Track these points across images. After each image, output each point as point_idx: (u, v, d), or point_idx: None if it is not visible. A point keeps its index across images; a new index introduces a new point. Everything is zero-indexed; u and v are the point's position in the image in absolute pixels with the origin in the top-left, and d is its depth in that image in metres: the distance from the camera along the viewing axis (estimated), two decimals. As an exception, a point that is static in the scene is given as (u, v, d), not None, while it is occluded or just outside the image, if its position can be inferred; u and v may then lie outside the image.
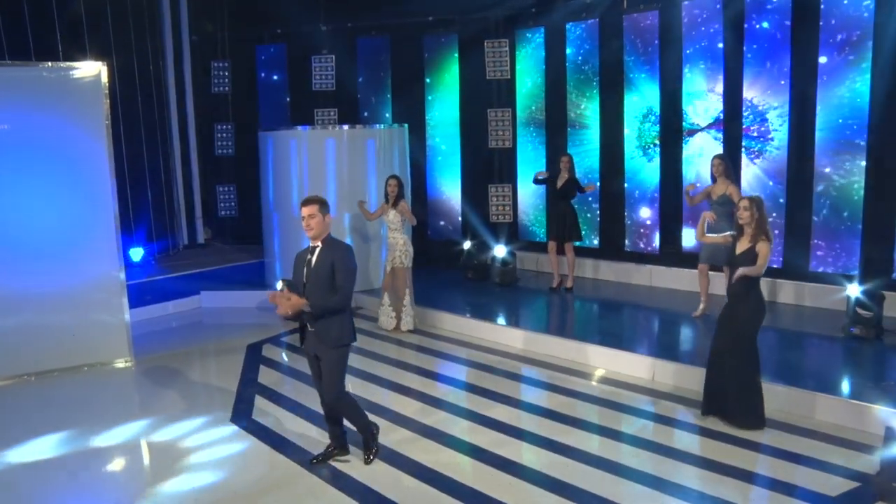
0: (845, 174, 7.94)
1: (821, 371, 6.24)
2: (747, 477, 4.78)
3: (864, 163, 7.80)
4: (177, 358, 7.77)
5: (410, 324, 8.41)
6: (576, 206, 9.68)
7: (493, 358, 7.44)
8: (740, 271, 5.38)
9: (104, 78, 7.29)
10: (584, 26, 10.16)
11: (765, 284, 8.47)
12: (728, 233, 5.80)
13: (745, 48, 8.56)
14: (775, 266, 8.50)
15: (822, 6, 7.91)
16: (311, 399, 6.29)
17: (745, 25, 8.52)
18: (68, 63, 7.26)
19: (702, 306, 7.96)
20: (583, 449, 5.25)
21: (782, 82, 8.34)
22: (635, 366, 6.71)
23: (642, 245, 9.89)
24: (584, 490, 4.64)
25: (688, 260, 9.19)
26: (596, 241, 10.40)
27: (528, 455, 5.20)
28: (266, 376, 7.08)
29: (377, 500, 4.60)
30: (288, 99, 12.08)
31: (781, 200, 8.47)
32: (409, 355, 7.71)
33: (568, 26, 10.31)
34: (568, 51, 10.36)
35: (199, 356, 7.96)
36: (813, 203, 8.16)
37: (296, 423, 5.89)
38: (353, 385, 6.65)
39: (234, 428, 5.78)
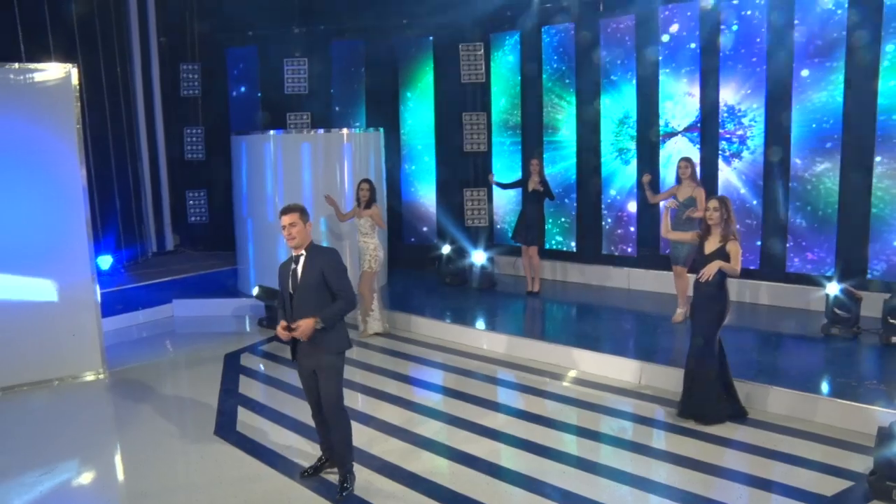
0: (820, 176, 8.07)
1: (804, 371, 6.29)
2: (744, 479, 4.79)
3: (838, 165, 7.94)
4: (152, 369, 7.54)
5: (378, 327, 8.32)
6: (550, 210, 9.67)
7: (473, 363, 7.37)
8: (715, 265, 5.39)
9: (74, 80, 7.04)
10: (560, 30, 10.18)
11: (742, 285, 8.64)
12: (695, 231, 5.84)
13: (720, 52, 8.66)
14: (752, 267, 8.61)
15: (797, 12, 8.05)
16: (296, 409, 6.19)
17: (721, 29, 8.62)
18: (37, 64, 6.97)
19: (679, 310, 7.98)
20: (584, 457, 5.23)
21: (758, 86, 8.45)
22: (621, 369, 6.70)
23: (619, 248, 9.94)
24: (586, 497, 4.60)
25: (665, 262, 9.24)
26: (573, 245, 10.42)
27: (526, 462, 5.15)
28: (247, 387, 6.90)
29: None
30: (260, 102, 11.86)
31: (757, 202, 8.58)
32: (378, 359, 7.61)
33: (544, 30, 10.32)
34: (544, 55, 10.37)
35: (175, 367, 7.74)
36: (789, 204, 8.28)
37: (282, 435, 5.74)
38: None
39: (219, 441, 5.60)
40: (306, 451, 5.34)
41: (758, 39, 8.40)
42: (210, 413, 6.21)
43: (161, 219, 11.75)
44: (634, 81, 9.50)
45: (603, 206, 9.99)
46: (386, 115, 11.33)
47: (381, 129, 10.32)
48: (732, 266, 5.43)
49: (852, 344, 6.97)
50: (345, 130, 9.87)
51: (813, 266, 8.19)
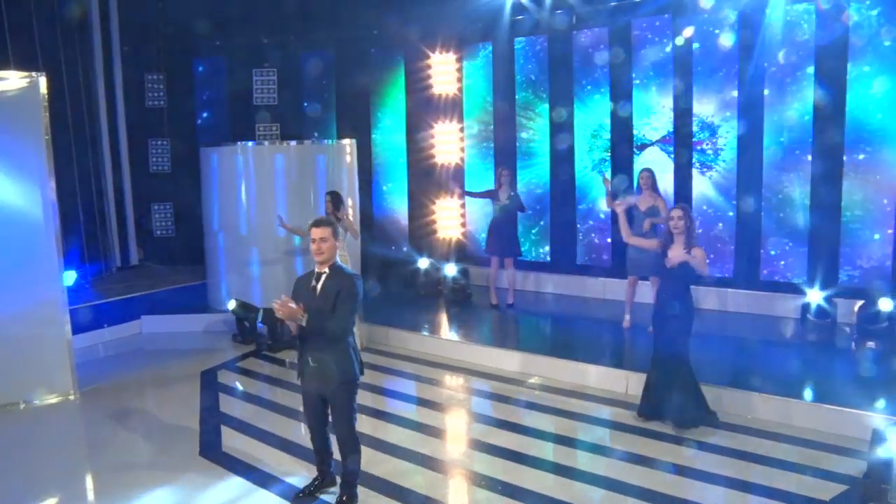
0: (792, 187, 8.28)
1: (784, 376, 6.40)
2: (743, 486, 4.82)
3: (809, 176, 8.16)
4: (125, 389, 7.27)
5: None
6: (523, 221, 9.66)
7: (471, 378, 7.31)
8: (682, 255, 5.47)
9: (42, 88, 6.78)
10: (534, 43, 10.25)
11: (715, 293, 8.78)
12: (657, 239, 5.89)
13: (693, 66, 8.83)
14: (726, 276, 8.76)
15: (767, 28, 8.26)
16: (281, 427, 6.08)
17: (695, 44, 8.79)
18: (2, 72, 6.69)
19: (627, 317, 8.11)
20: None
21: (730, 98, 8.64)
22: (610, 379, 6.72)
23: (593, 258, 10.01)
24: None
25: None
26: (547, 256, 10.45)
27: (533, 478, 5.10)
28: (228, 405, 6.71)
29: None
30: (228, 114, 11.63)
31: (731, 213, 8.75)
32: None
33: (517, 41, 10.38)
34: (517, 66, 10.42)
35: (150, 386, 7.46)
36: (762, 214, 8.46)
37: (270, 455, 5.57)
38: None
39: (205, 463, 5.40)
40: (297, 471, 5.20)
41: (730, 52, 8.59)
42: (192, 434, 5.99)
43: (125, 233, 11.38)
44: (608, 93, 9.62)
45: (577, 216, 10.06)
46: (357, 127, 11.22)
47: (354, 141, 10.20)
48: (704, 267, 5.52)
49: (827, 349, 7.13)
50: (316, 142, 9.74)
51: (785, 274, 8.38)
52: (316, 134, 11.32)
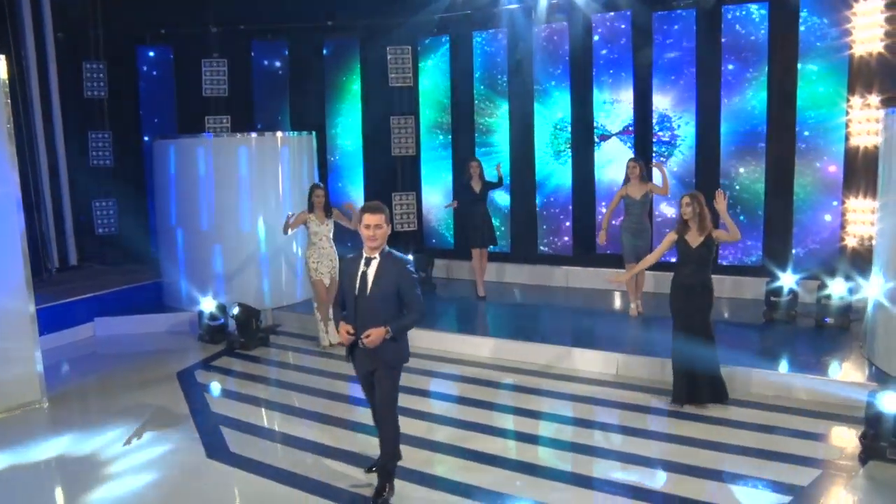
0: (747, 175, 8.77)
1: (766, 353, 6.79)
2: (754, 452, 5.11)
3: (763, 165, 8.67)
4: (99, 394, 6.91)
5: (337, 339, 7.94)
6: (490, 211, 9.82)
7: (471, 369, 7.23)
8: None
9: (3, 72, 6.30)
10: (493, 36, 10.36)
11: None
12: (671, 233, 6.08)
13: (654, 59, 9.18)
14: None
15: (724, 25, 8.71)
16: (281, 424, 6.03)
17: (654, 38, 9.15)
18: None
19: (633, 305, 8.27)
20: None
21: (689, 92, 9.05)
22: (601, 362, 6.93)
23: (555, 247, 10.24)
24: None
25: (601, 260, 9.69)
26: (507, 246, 10.59)
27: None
28: (218, 405, 6.46)
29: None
30: (175, 105, 11.12)
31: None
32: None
33: (475, 34, 10.46)
34: (475, 60, 10.51)
35: (124, 389, 7.01)
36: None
37: (280, 451, 5.44)
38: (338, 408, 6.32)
39: (217, 465, 5.19)
40: (314, 465, 5.12)
41: (688, 47, 8.99)
42: (191, 436, 5.74)
43: (63, 232, 10.66)
44: (568, 86, 9.86)
45: (538, 207, 10.26)
46: (311, 119, 11.00)
47: (314, 133, 10.00)
48: (733, 235, 5.88)
49: (793, 327, 7.62)
50: (279, 134, 9.48)
51: (742, 257, 8.87)
52: (287, 124, 11.01)
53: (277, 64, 11.09)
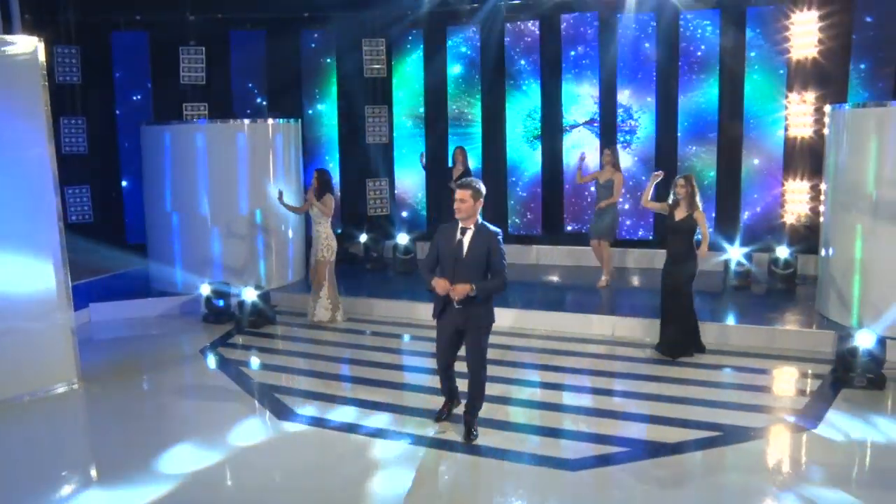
0: (701, 160, 9.96)
1: (732, 311, 7.94)
2: (740, 387, 6.16)
3: (715, 151, 9.89)
4: (131, 374, 7.04)
5: (325, 316, 8.42)
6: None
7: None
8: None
9: (41, 55, 6.42)
10: (466, 31, 11.05)
11: (641, 253, 10.27)
12: (666, 202, 7.09)
13: (618, 56, 10.20)
14: (649, 237, 10.29)
15: (681, 29, 9.83)
16: (330, 387, 6.48)
17: (618, 36, 10.15)
18: (4, 36, 6.25)
19: (604, 277, 9.25)
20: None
21: (649, 87, 10.14)
22: (598, 325, 7.84)
23: (526, 226, 11.11)
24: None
25: (569, 238, 10.67)
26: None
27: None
28: (258, 376, 6.80)
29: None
30: (151, 92, 11.13)
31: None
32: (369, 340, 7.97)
33: (448, 29, 11.12)
34: (449, 53, 11.18)
35: (156, 369, 7.19)
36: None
37: (346, 410, 5.89)
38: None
39: (294, 426, 5.62)
40: (382, 418, 5.67)
41: (648, 47, 10.07)
42: (252, 405, 6.10)
43: (36, 219, 10.46)
44: (539, 80, 10.73)
45: (509, 188, 11.07)
46: (288, 108, 11.29)
47: (299, 120, 10.37)
48: (705, 232, 6.80)
49: (750, 291, 8.82)
50: (270, 121, 9.80)
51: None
52: (265, 112, 11.25)
53: (255, 53, 11.30)
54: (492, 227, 5.02)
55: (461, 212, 4.92)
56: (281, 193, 8.43)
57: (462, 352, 5.18)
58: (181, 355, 7.64)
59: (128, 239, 10.99)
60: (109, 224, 10.85)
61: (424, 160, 10.61)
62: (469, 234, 4.96)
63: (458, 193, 4.93)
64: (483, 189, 5.03)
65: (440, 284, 4.90)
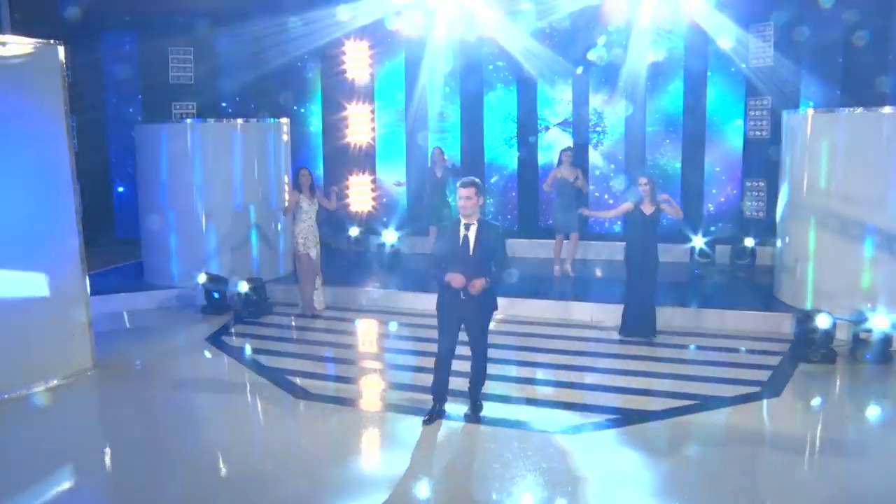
0: (667, 155, 10.77)
1: (702, 296, 8.71)
2: (708, 364, 6.88)
3: (680, 148, 10.70)
4: (143, 361, 7.39)
5: (321, 305, 8.95)
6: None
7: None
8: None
9: (62, 57, 6.75)
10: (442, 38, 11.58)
11: (614, 246, 10.99)
12: (630, 202, 7.76)
13: (591, 64, 10.91)
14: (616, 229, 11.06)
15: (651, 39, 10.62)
16: (339, 369, 6.98)
17: (590, 45, 10.86)
18: (22, 38, 6.56)
19: (557, 267, 9.89)
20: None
21: (619, 90, 10.88)
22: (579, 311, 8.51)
23: (500, 220, 11.72)
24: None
25: (543, 233, 11.34)
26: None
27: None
28: (268, 360, 7.16)
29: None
30: (139, 91, 11.37)
31: (623, 177, 10.99)
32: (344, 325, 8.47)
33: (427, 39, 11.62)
34: (426, 56, 11.67)
35: (166, 357, 7.52)
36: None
37: (359, 389, 6.43)
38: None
39: (314, 405, 6.03)
40: (397, 396, 6.17)
41: (620, 54, 10.81)
42: (268, 387, 6.47)
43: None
44: (515, 86, 11.35)
45: (486, 184, 11.67)
46: (275, 107, 11.66)
47: (288, 120, 10.75)
48: (677, 211, 7.60)
49: (716, 278, 9.61)
50: (262, 121, 10.18)
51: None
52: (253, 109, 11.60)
53: (242, 55, 11.63)
54: (494, 222, 5.52)
55: (467, 209, 5.24)
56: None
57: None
58: (188, 344, 7.96)
59: (117, 234, 11.23)
60: (99, 220, 11.05)
61: (397, 182, 11.08)
62: (473, 229, 5.28)
63: (464, 192, 5.21)
64: (482, 186, 5.51)
65: (456, 279, 5.20)
